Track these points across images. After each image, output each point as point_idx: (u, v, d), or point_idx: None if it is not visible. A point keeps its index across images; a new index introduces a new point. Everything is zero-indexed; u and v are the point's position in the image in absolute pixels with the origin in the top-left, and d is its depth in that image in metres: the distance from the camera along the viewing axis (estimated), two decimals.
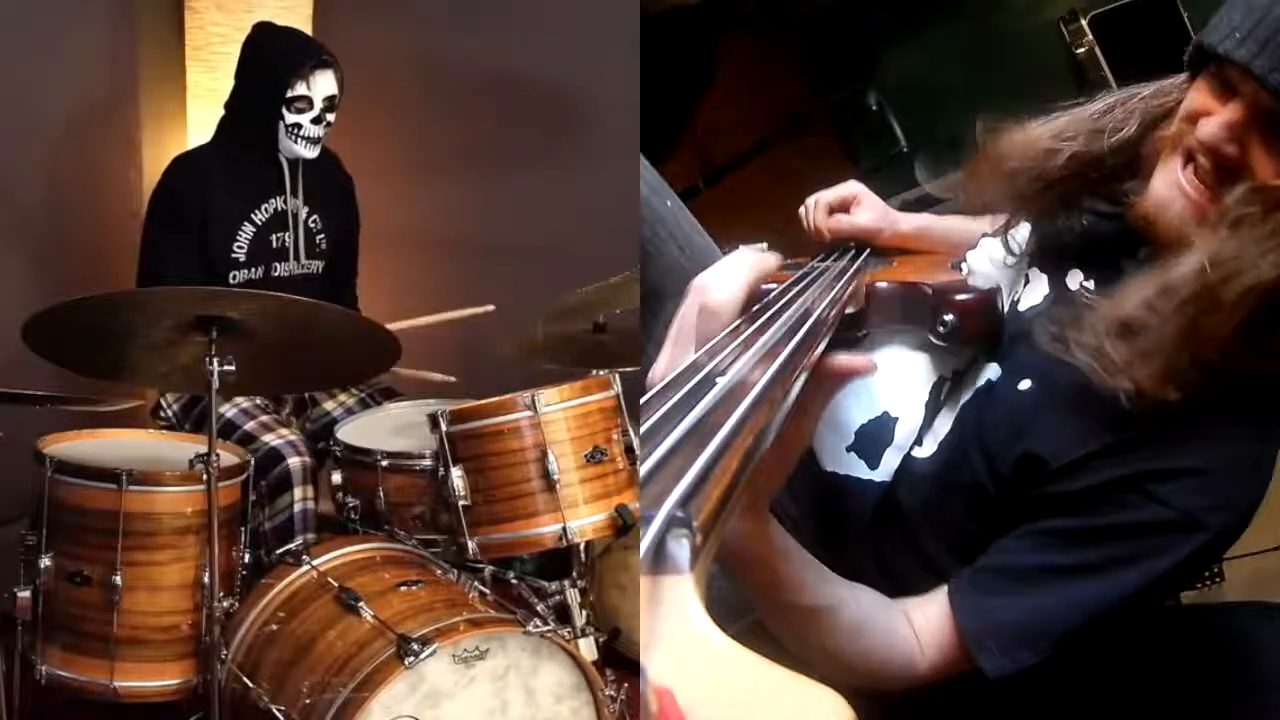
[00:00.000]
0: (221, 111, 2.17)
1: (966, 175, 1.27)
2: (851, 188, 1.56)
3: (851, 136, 2.77)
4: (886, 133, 2.60)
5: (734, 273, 0.94)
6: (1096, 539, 1.06)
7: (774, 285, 1.04)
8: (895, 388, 1.25)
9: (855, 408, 1.27)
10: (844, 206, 1.55)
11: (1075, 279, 1.14)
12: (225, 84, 2.20)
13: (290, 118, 2.06)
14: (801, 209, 1.59)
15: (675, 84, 2.49)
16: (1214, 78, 1.04)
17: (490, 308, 2.26)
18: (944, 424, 1.21)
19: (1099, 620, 1.08)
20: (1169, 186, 1.06)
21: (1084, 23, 2.29)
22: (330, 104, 2.08)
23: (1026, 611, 1.08)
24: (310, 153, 2.10)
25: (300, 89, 2.05)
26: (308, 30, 2.51)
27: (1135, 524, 1.05)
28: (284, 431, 2.02)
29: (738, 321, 0.87)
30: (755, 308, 0.91)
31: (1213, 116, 1.02)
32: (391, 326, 1.79)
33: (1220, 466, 1.04)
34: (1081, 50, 2.29)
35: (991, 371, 1.18)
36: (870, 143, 2.66)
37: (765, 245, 1.63)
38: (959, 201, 1.34)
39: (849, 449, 1.25)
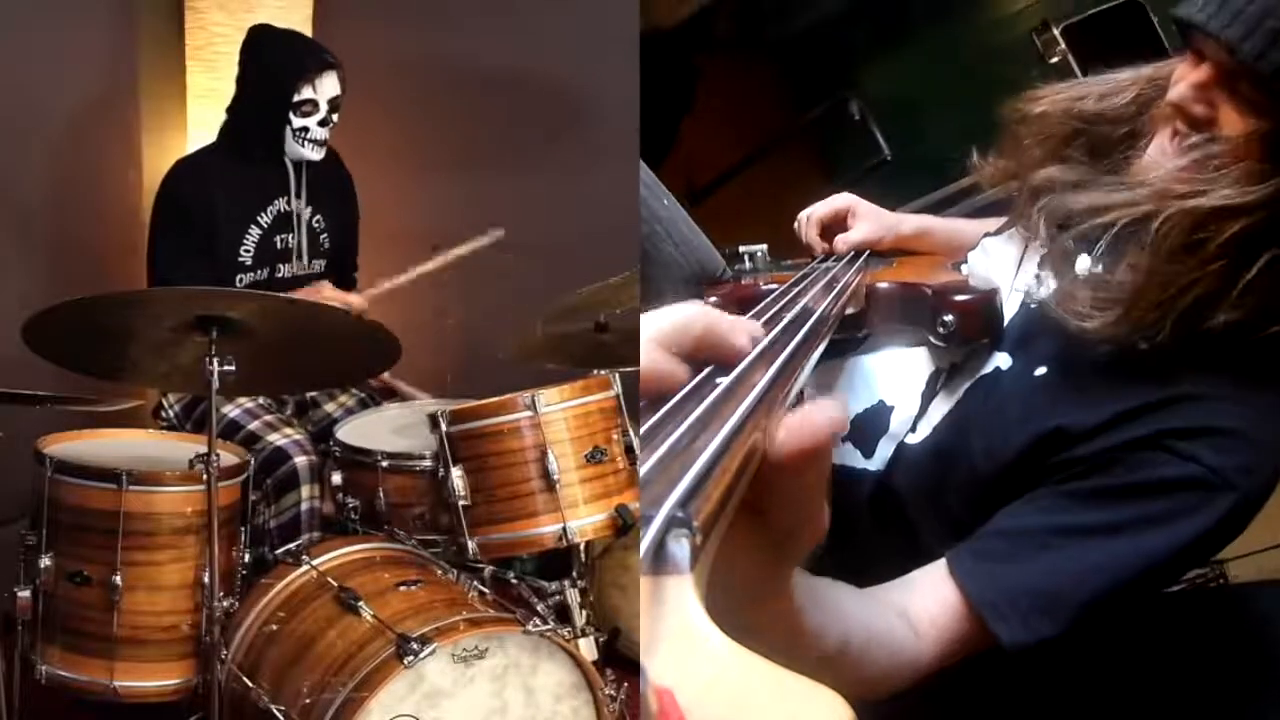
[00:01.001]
0: (223, 113, 2.17)
1: (993, 149, 1.31)
2: (844, 200, 1.55)
3: (833, 149, 2.78)
4: (869, 143, 2.61)
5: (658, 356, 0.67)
6: (1119, 497, 1.03)
7: (775, 285, 1.04)
8: (891, 377, 1.25)
9: (851, 398, 1.26)
10: (839, 220, 1.54)
11: (1083, 263, 1.14)
12: (226, 84, 2.20)
13: (297, 121, 2.07)
14: (795, 224, 1.58)
15: (658, 106, 2.50)
16: (1191, 50, 1.09)
17: (499, 233, 2.27)
18: (939, 411, 1.21)
19: (1123, 588, 1.03)
20: (1158, 154, 1.10)
21: (1056, 32, 2.30)
22: (334, 105, 2.09)
23: (1043, 575, 1.02)
24: (317, 155, 2.12)
25: (307, 93, 2.06)
26: (307, 31, 2.52)
27: (1162, 481, 1.02)
28: (289, 431, 2.03)
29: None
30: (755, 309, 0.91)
31: (1182, 80, 1.08)
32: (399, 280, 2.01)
33: (1245, 429, 1.03)
34: (1055, 59, 2.29)
35: (1000, 360, 1.18)
36: (852, 153, 2.67)
37: (766, 247, 1.64)
38: (982, 179, 1.34)
39: (844, 439, 1.25)
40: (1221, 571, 1.94)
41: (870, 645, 0.98)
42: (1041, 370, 1.13)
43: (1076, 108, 1.22)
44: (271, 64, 2.10)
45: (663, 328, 0.64)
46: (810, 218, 1.55)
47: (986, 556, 1.05)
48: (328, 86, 2.08)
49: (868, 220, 1.53)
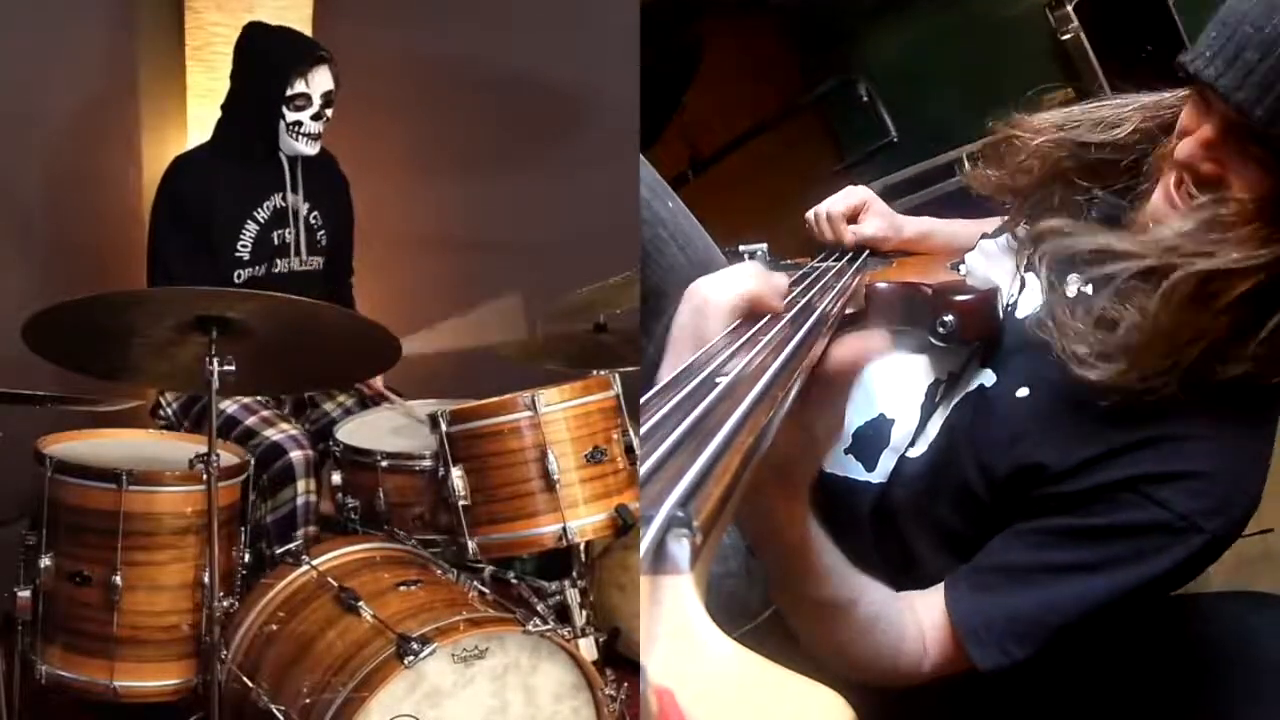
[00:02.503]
0: (220, 112, 2.17)
1: (984, 157, 1.31)
2: (859, 194, 1.54)
3: (839, 125, 2.77)
4: (876, 121, 2.60)
5: (734, 278, 0.90)
6: (1093, 538, 1.07)
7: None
8: (892, 390, 1.25)
9: (852, 410, 1.26)
10: (853, 214, 1.54)
11: (1074, 284, 1.15)
12: (225, 84, 2.20)
13: (291, 115, 2.08)
14: (810, 214, 1.57)
15: (662, 73, 2.48)
16: (1196, 96, 1.06)
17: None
18: (937, 426, 1.21)
19: (1091, 617, 1.08)
20: (1164, 201, 1.09)
21: (1069, 8, 2.29)
22: (327, 100, 2.10)
23: (1019, 607, 1.09)
24: (311, 149, 2.12)
25: (300, 86, 2.06)
26: (307, 30, 2.51)
27: (1132, 524, 1.05)
28: (285, 426, 2.03)
29: (734, 324, 0.86)
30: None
31: (1190, 136, 1.05)
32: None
33: (1219, 470, 1.05)
34: (1067, 36, 2.28)
35: (985, 377, 1.18)
36: (858, 132, 2.66)
37: (766, 246, 1.63)
38: (973, 183, 1.34)
39: (846, 451, 1.25)
40: None
41: (881, 619, 1.08)
42: (1023, 391, 1.14)
43: (1072, 138, 1.22)
44: (264, 59, 2.11)
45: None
46: (830, 214, 1.54)
47: (975, 588, 1.12)
48: (320, 80, 2.08)
49: (879, 218, 1.53)
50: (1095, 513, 1.07)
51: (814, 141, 2.80)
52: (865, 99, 2.59)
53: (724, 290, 0.88)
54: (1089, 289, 1.13)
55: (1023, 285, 1.22)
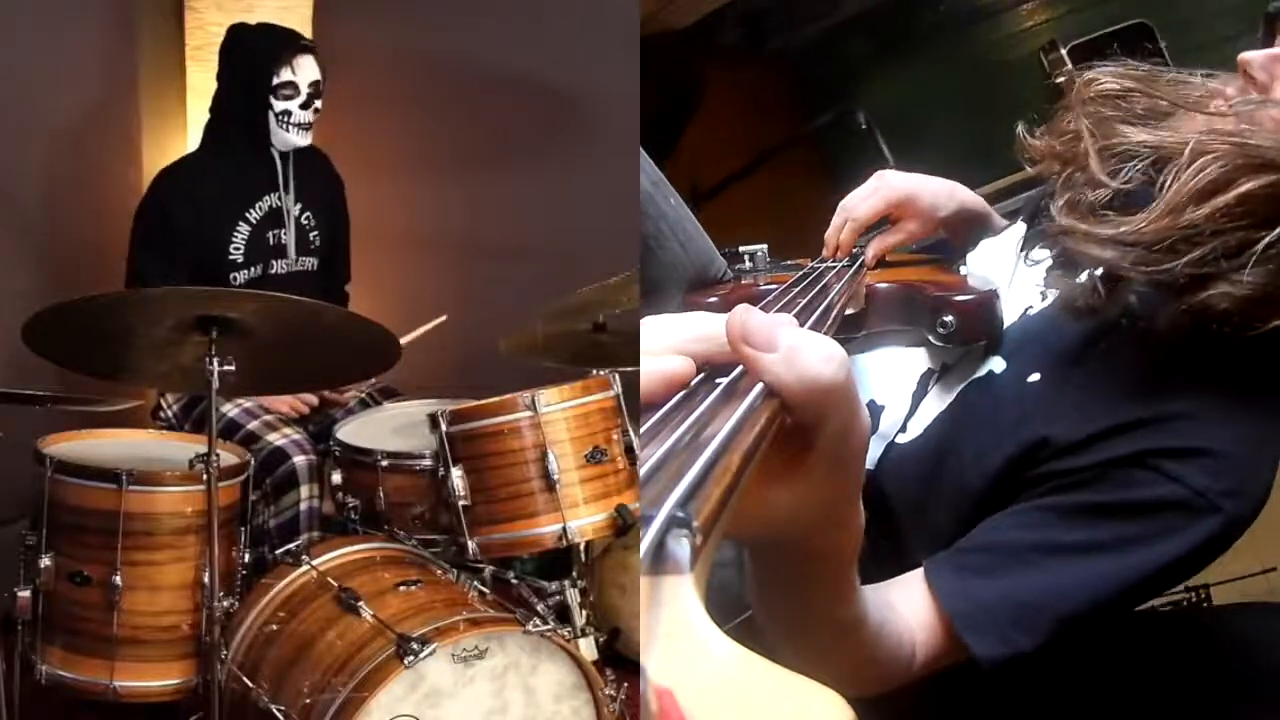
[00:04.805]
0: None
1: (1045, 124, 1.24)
2: (896, 194, 1.43)
3: (837, 158, 2.78)
4: (874, 155, 2.61)
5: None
6: (1102, 515, 1.01)
7: (775, 285, 1.04)
8: (883, 376, 1.25)
9: None
10: (887, 219, 1.44)
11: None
12: None
13: (279, 105, 2.07)
14: (833, 227, 1.46)
15: (664, 107, 2.50)
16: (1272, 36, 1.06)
17: (443, 318, 2.23)
18: (929, 411, 1.20)
19: (1102, 605, 1.01)
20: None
21: (1063, 52, 2.29)
22: (316, 89, 2.09)
23: (1021, 590, 1.01)
24: (303, 140, 2.11)
25: (285, 75, 2.06)
26: (307, 31, 2.51)
27: (1145, 501, 1.00)
28: (288, 430, 2.03)
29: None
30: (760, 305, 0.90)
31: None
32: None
33: (1236, 450, 1.00)
34: (1060, 79, 2.29)
35: (994, 364, 1.17)
36: (856, 164, 2.67)
37: (766, 246, 1.63)
38: (1028, 154, 1.28)
39: None
40: (1206, 595, 1.93)
41: (878, 630, 0.96)
42: (1034, 376, 1.11)
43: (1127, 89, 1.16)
44: (247, 52, 2.11)
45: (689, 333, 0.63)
46: (849, 224, 1.43)
47: (965, 570, 1.03)
48: (306, 69, 2.08)
49: (916, 220, 1.43)
50: (1103, 490, 1.01)
51: (813, 176, 2.81)
52: (864, 127, 2.60)
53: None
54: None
55: (1043, 296, 1.21)
